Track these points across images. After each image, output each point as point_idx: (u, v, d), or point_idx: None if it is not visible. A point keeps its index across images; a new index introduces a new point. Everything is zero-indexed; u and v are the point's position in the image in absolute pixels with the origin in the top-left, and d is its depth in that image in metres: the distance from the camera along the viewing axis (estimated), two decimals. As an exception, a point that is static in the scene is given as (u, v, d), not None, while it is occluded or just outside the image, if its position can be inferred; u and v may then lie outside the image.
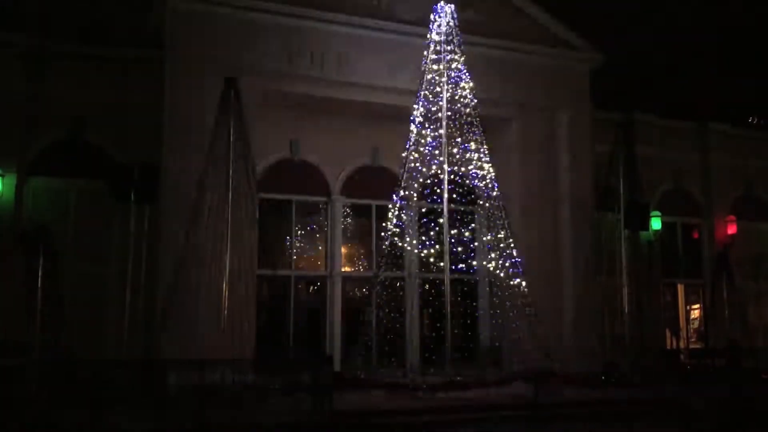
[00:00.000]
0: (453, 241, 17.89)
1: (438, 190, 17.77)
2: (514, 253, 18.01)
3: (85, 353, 15.17)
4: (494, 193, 18.07)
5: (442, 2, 18.38)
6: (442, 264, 17.83)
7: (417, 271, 21.24)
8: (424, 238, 18.52)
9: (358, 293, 21.66)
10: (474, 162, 17.92)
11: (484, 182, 18.13)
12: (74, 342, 16.13)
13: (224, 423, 12.50)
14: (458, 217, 18.49)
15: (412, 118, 18.13)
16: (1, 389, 12.80)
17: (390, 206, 18.38)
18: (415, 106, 18.17)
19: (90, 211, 18.83)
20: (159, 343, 15.97)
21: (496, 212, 18.05)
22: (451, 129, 17.82)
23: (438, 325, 18.52)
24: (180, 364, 13.59)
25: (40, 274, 15.81)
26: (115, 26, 20.73)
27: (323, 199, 22.00)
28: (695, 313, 26.18)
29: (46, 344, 15.48)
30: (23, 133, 18.65)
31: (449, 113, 17.82)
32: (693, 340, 25.27)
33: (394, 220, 18.13)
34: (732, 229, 25.95)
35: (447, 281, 17.65)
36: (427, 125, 17.92)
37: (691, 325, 25.86)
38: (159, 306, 16.50)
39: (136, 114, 19.57)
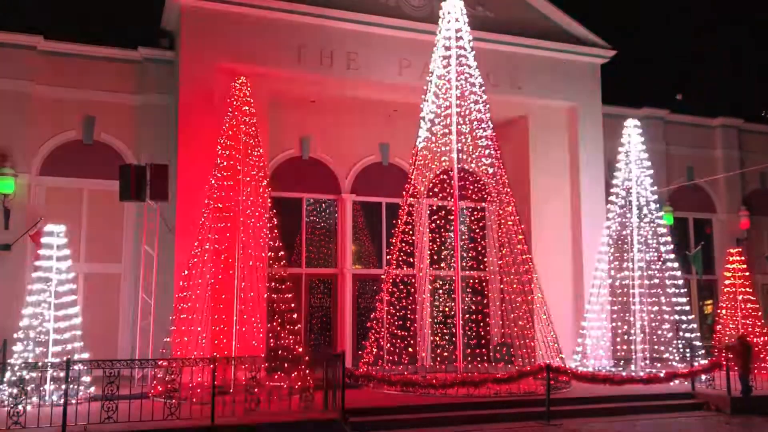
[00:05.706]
0: (464, 238, 17.83)
1: (448, 188, 17.68)
2: (526, 249, 17.94)
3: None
4: (505, 190, 17.99)
5: (451, -2, 18.26)
6: (452, 261, 17.78)
7: (427, 268, 21.23)
8: (434, 235, 18.45)
9: (368, 290, 21.76)
10: (484, 159, 17.83)
11: (494, 179, 18.03)
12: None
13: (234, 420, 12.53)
14: (469, 214, 18.43)
15: (422, 115, 18.07)
16: None
17: (400, 203, 18.35)
18: (425, 104, 18.10)
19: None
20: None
21: (507, 208, 17.97)
22: (461, 126, 17.74)
23: (449, 321, 18.47)
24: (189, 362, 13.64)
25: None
26: (128, 26, 20.83)
27: (333, 197, 22.11)
28: (708, 309, 26.01)
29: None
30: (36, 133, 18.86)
31: (459, 110, 17.75)
32: (707, 335, 25.08)
33: (405, 217, 18.10)
34: (745, 224, 25.78)
35: (458, 278, 17.60)
36: (437, 122, 17.84)
37: (705, 321, 25.67)
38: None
39: (148, 113, 19.78)
